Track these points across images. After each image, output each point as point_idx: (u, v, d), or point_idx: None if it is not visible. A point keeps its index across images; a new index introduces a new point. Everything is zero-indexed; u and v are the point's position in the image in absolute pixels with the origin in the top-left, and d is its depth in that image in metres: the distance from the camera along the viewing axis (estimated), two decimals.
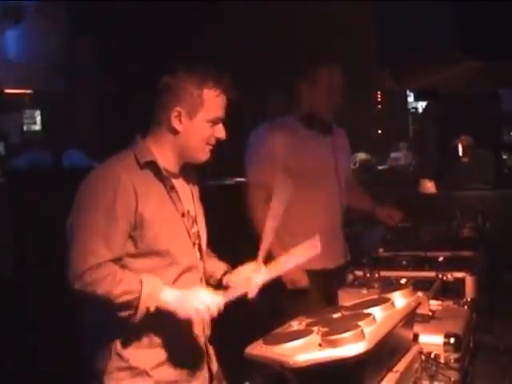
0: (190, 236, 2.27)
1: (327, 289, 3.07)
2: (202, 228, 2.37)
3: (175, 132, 2.21)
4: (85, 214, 2.09)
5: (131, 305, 2.03)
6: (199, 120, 2.21)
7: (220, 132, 2.26)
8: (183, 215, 2.26)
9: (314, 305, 2.90)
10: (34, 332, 4.40)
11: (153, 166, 2.20)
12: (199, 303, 2.06)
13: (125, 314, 2.04)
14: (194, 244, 2.30)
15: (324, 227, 3.17)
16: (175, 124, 2.20)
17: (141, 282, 2.04)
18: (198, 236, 2.33)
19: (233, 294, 2.17)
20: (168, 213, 2.21)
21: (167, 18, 6.97)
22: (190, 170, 2.37)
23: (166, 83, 2.22)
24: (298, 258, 2.25)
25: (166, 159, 2.24)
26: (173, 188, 2.24)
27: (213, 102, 2.22)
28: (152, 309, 2.04)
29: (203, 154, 2.27)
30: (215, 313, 2.09)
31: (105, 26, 7.34)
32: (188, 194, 2.34)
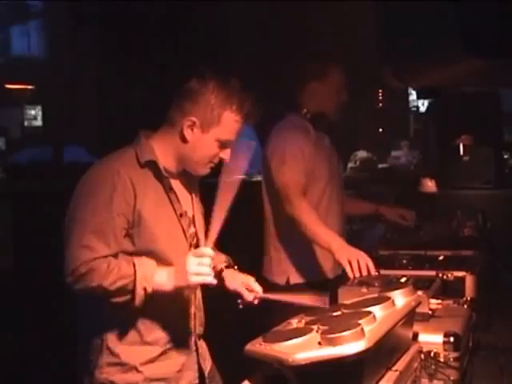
0: (186, 237, 2.27)
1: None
2: (200, 229, 2.36)
3: (184, 140, 2.19)
4: (83, 209, 2.09)
5: (128, 289, 2.02)
6: (210, 136, 2.18)
7: (226, 154, 2.23)
8: (181, 216, 2.25)
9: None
10: (35, 329, 4.41)
11: (153, 166, 2.19)
12: (193, 268, 2.02)
13: (123, 299, 2.03)
14: (191, 245, 2.29)
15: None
16: (186, 132, 2.18)
17: (134, 265, 2.04)
18: (196, 237, 2.33)
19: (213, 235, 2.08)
20: (165, 213, 2.21)
21: (167, 17, 6.97)
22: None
23: (191, 88, 2.17)
24: (301, 301, 2.20)
25: (167, 160, 2.23)
26: (171, 189, 2.23)
27: (229, 125, 2.18)
28: (149, 289, 2.03)
29: (203, 170, 2.26)
30: (211, 264, 2.04)
31: (106, 24, 7.35)
32: (187, 195, 2.33)
